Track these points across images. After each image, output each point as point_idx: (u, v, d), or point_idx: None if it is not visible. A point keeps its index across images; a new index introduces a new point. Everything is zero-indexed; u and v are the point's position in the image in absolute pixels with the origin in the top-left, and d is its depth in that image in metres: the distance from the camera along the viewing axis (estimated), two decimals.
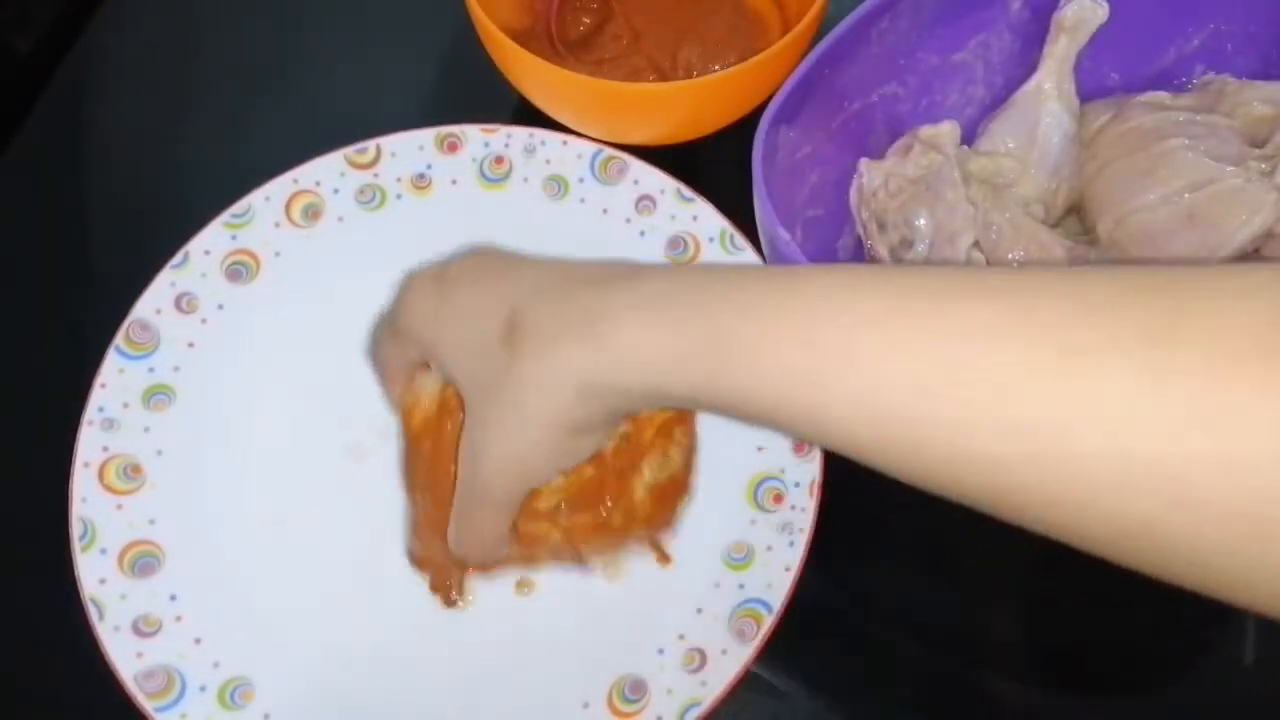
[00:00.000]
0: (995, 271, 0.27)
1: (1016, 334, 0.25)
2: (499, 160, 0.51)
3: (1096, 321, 0.24)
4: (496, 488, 0.34)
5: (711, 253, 0.49)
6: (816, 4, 0.49)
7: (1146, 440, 0.23)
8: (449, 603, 0.44)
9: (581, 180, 0.51)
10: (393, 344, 0.39)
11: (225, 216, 0.48)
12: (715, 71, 0.50)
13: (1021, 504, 0.26)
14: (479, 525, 0.36)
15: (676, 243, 0.49)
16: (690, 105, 0.50)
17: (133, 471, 0.44)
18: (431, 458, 0.39)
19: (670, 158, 0.51)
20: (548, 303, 0.31)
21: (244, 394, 0.47)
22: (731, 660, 0.41)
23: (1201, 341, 0.23)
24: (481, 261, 0.36)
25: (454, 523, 0.37)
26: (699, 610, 0.43)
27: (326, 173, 0.50)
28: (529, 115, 0.52)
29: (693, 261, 0.49)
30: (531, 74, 0.48)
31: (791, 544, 0.43)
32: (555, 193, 0.51)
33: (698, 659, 0.42)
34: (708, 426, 0.40)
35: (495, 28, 0.48)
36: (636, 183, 0.50)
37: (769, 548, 0.43)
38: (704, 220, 0.49)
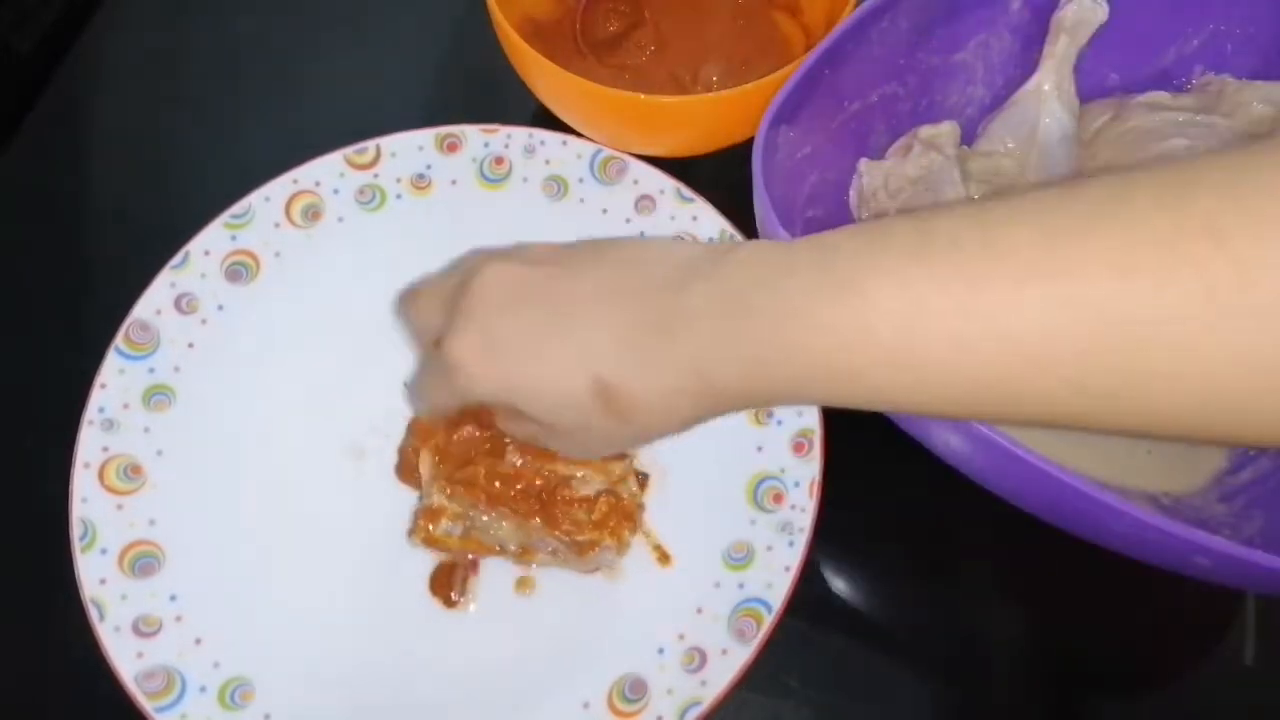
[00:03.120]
0: (969, 219, 0.28)
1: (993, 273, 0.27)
2: (499, 160, 0.51)
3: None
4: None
5: None
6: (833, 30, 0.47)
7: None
8: (449, 603, 0.44)
9: (581, 180, 0.51)
10: (434, 378, 0.38)
11: (225, 217, 0.49)
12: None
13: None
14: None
15: None
16: (697, 122, 0.49)
17: (133, 471, 0.44)
18: None
19: (670, 157, 0.51)
20: (635, 369, 0.32)
21: (244, 394, 0.47)
22: (731, 660, 0.41)
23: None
24: (507, 286, 0.35)
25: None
26: (699, 610, 0.43)
27: (326, 173, 0.50)
28: (543, 117, 0.52)
29: None
30: (545, 76, 0.48)
31: (791, 544, 0.43)
32: (555, 193, 0.51)
33: (698, 659, 0.42)
34: (709, 425, 0.40)
35: (510, 27, 0.47)
36: (636, 183, 0.50)
37: (769, 547, 0.43)
38: (704, 220, 0.49)
